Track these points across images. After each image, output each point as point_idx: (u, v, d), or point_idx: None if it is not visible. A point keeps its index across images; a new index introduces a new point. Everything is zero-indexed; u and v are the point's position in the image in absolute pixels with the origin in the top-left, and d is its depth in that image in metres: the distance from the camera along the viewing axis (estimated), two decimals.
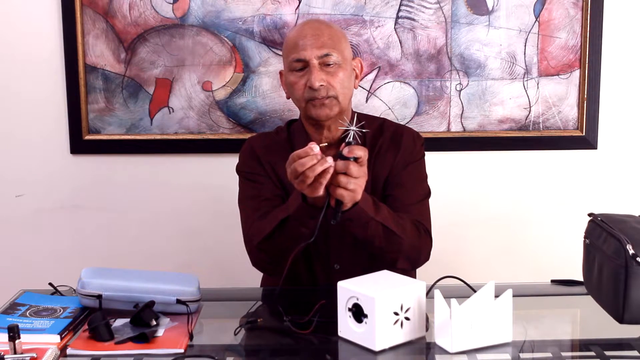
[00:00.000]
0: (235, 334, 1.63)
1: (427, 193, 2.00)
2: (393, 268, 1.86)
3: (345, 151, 1.64)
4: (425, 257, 1.94)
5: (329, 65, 1.88)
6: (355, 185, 1.66)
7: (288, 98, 1.99)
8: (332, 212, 1.69)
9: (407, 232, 1.84)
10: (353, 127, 1.66)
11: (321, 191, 1.64)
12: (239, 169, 2.03)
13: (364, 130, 1.70)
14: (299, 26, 1.96)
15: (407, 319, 1.53)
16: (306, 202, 1.73)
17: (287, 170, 1.67)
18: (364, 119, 2.03)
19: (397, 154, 1.98)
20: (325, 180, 1.63)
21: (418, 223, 1.91)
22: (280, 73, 2.01)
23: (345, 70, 1.91)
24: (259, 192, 1.95)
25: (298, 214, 1.76)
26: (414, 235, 1.87)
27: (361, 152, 1.66)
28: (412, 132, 2.06)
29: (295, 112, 2.41)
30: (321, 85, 1.86)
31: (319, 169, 1.61)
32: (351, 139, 1.66)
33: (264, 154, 1.99)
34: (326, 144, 1.74)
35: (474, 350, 1.50)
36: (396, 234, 1.81)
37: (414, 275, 2.07)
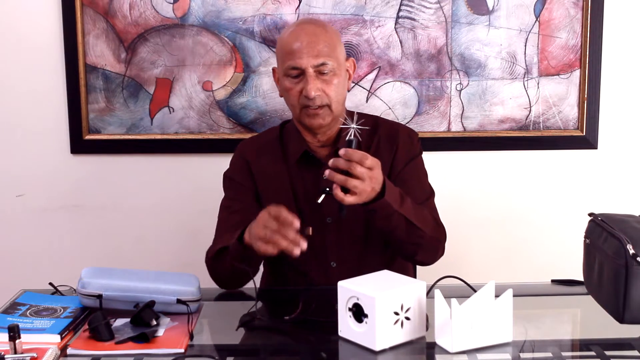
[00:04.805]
0: (235, 333, 1.63)
1: (431, 191, 1.99)
2: (412, 260, 1.92)
3: (341, 152, 1.65)
4: (442, 252, 1.94)
5: (324, 73, 1.87)
6: (358, 182, 1.65)
7: (281, 96, 1.99)
8: (339, 211, 1.70)
9: (428, 226, 1.85)
10: (353, 125, 1.67)
11: (274, 252, 1.64)
12: (224, 175, 2.04)
13: (364, 128, 1.71)
14: (294, 28, 1.93)
15: (407, 318, 1.53)
16: (242, 244, 1.72)
17: (260, 217, 1.65)
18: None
19: (395, 152, 1.98)
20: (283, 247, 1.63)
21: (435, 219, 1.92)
22: (274, 70, 2.01)
23: (340, 76, 1.91)
24: (233, 203, 1.97)
25: (234, 251, 1.76)
26: (434, 229, 1.88)
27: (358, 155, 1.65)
28: (406, 128, 2.06)
29: None
30: (317, 94, 1.87)
31: (292, 248, 1.62)
32: (352, 137, 1.66)
33: (254, 157, 2.00)
34: (310, 234, 1.70)
35: (474, 350, 1.50)
36: (418, 228, 1.81)
37: (414, 275, 2.07)
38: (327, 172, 1.65)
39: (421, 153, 2.03)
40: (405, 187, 1.86)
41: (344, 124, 1.69)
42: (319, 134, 1.95)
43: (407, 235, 1.81)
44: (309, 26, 1.93)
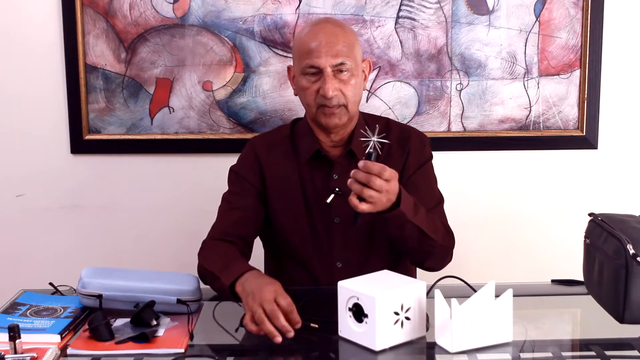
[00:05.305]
0: (235, 333, 1.63)
1: (441, 198, 1.99)
2: (420, 266, 1.93)
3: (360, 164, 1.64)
4: (450, 258, 1.95)
5: (342, 72, 1.87)
6: (374, 193, 1.64)
7: (296, 95, 1.99)
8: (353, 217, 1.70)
9: (439, 234, 1.85)
10: (374, 138, 1.66)
11: (259, 333, 1.58)
12: (230, 169, 2.04)
13: (384, 141, 1.69)
14: (312, 28, 1.92)
15: (407, 318, 1.53)
16: (233, 291, 1.70)
17: (264, 296, 1.58)
18: (368, 119, 2.03)
19: (407, 156, 1.97)
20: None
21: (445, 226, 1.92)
22: (289, 68, 2.01)
23: (357, 77, 1.91)
24: (235, 198, 1.97)
25: (225, 289, 1.73)
26: (444, 237, 1.88)
27: (377, 168, 1.63)
28: (418, 133, 2.05)
29: (295, 112, 2.42)
30: (334, 94, 1.86)
31: (275, 335, 1.55)
32: (372, 150, 1.66)
33: (265, 153, 2.00)
34: (317, 326, 1.61)
35: (474, 350, 1.50)
36: (430, 238, 1.81)
37: (414, 275, 2.07)
38: (348, 181, 1.65)
39: (431, 158, 2.02)
40: (416, 192, 1.85)
41: (364, 136, 1.69)
42: (333, 133, 1.95)
43: (419, 244, 1.81)
44: (328, 26, 1.92)
